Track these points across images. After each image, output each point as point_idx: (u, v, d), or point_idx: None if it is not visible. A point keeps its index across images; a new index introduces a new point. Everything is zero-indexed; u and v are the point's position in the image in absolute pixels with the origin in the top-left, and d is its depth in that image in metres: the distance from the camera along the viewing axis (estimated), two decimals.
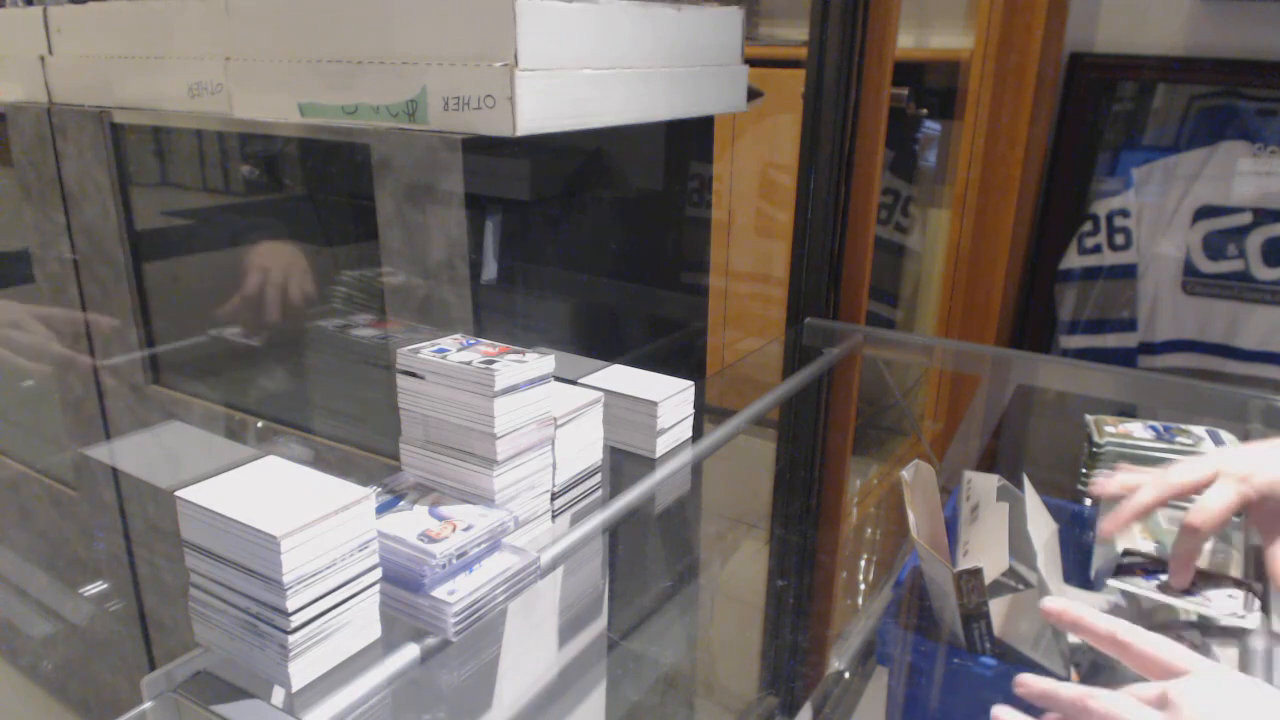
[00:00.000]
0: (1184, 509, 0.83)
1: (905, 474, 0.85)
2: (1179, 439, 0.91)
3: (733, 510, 1.64)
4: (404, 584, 0.61)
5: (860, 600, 1.54)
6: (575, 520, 0.75)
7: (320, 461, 1.16)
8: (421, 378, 0.69)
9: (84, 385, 1.41)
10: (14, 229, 1.43)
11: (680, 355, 1.24)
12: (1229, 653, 0.71)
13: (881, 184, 1.45)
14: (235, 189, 1.27)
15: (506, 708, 0.78)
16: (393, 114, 0.79)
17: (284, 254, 0.99)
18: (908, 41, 1.71)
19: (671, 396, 0.83)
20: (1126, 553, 0.80)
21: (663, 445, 0.84)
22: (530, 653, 0.81)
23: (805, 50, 1.20)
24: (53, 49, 1.12)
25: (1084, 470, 0.92)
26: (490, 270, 0.93)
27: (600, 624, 0.91)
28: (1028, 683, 0.59)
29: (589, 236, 1.09)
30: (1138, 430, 0.93)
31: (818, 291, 1.27)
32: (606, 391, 0.80)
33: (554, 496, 0.74)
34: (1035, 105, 1.50)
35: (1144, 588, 0.75)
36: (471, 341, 0.72)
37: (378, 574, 0.60)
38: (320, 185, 1.16)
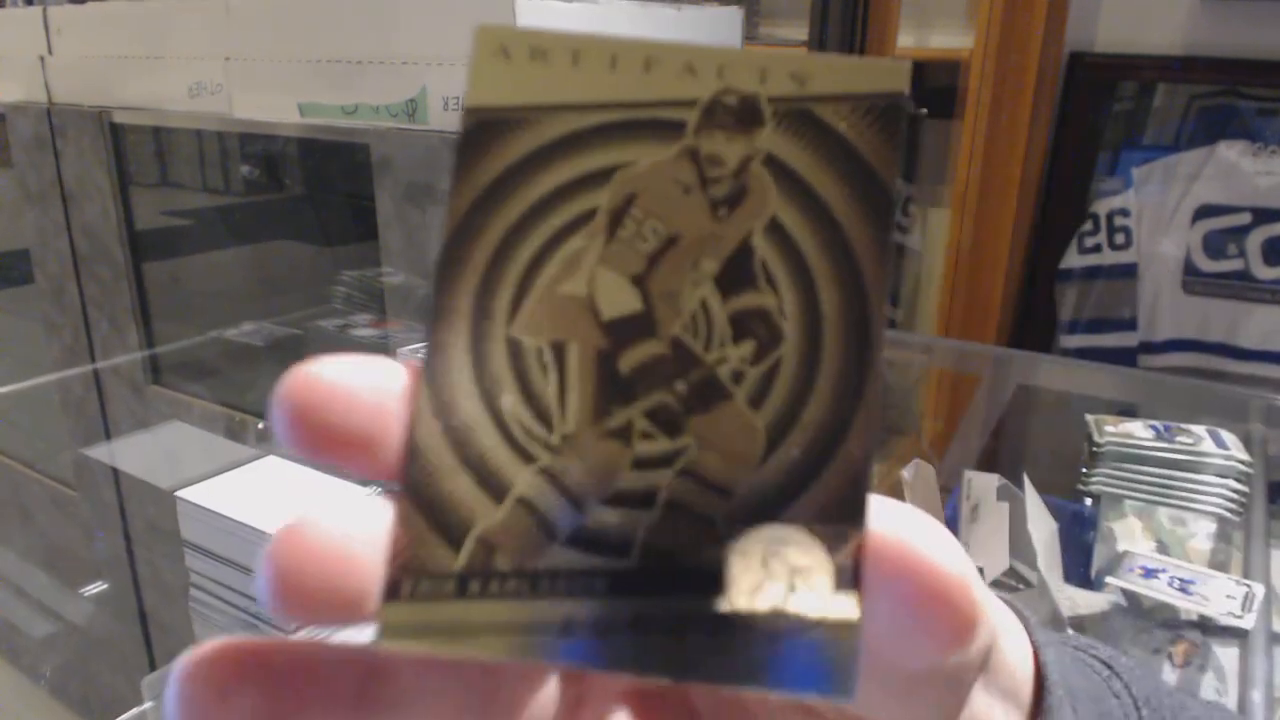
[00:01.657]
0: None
1: (905, 473, 0.85)
2: (1179, 438, 0.91)
3: None
4: None
5: None
6: None
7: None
8: None
9: (84, 385, 1.41)
10: (14, 229, 1.43)
11: None
12: (1229, 652, 0.71)
13: None
14: (235, 189, 1.27)
15: None
16: (392, 114, 0.80)
17: None
18: (908, 41, 1.71)
19: None
20: (1127, 552, 0.80)
21: None
22: None
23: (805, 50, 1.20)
24: (52, 49, 1.12)
25: (1084, 470, 0.92)
26: None
27: None
28: None
29: None
30: (1138, 430, 0.93)
31: None
32: None
33: None
34: (1035, 105, 1.50)
35: (1144, 586, 0.75)
36: None
37: None
38: (320, 185, 1.16)
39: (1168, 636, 0.73)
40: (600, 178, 0.15)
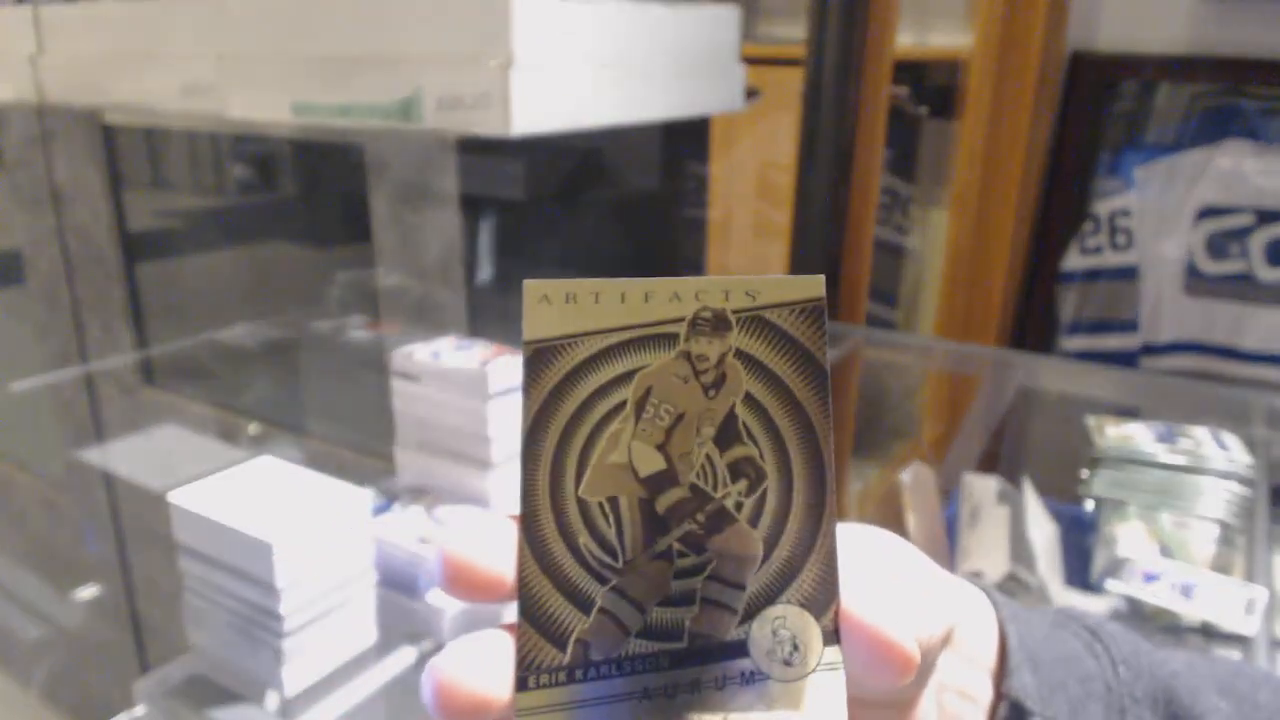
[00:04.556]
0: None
1: (904, 477, 0.85)
2: (1181, 441, 0.90)
3: None
4: (400, 587, 0.61)
5: None
6: None
7: (314, 464, 1.15)
8: (416, 380, 0.68)
9: (75, 387, 1.41)
10: (5, 230, 1.42)
11: None
12: (1231, 657, 0.70)
13: (881, 184, 1.45)
14: (228, 190, 1.26)
15: None
16: (387, 114, 0.79)
17: None
18: (907, 40, 1.70)
19: None
20: (1128, 556, 0.79)
21: None
22: None
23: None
24: (44, 48, 1.11)
25: (1085, 472, 0.92)
26: (486, 271, 0.92)
27: None
28: None
29: (585, 237, 1.08)
30: (1139, 432, 0.92)
31: None
32: None
33: None
34: (1036, 104, 1.50)
35: (1145, 591, 0.74)
36: (467, 343, 0.71)
37: (373, 577, 0.59)
38: (314, 186, 1.15)
39: (1170, 641, 0.72)
40: (625, 379, 0.22)
